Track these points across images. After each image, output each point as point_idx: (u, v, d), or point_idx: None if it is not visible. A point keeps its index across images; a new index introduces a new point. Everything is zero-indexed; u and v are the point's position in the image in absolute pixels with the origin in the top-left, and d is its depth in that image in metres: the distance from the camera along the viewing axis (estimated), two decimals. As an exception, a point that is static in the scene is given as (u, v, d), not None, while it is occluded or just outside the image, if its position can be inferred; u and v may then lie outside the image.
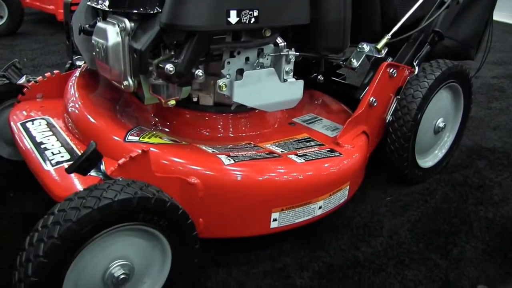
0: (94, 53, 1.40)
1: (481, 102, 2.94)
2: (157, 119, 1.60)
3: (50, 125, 1.55)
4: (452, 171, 2.02)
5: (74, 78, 1.69)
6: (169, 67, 1.21)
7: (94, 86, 1.67)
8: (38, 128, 1.52)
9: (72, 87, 1.63)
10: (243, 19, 1.22)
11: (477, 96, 3.04)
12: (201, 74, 1.28)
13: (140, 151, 1.15)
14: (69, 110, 1.54)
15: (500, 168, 2.08)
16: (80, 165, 1.05)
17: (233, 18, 1.20)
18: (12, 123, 1.58)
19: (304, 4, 1.37)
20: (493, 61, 3.96)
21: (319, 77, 1.93)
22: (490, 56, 4.00)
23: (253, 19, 1.24)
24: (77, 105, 1.53)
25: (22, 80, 1.70)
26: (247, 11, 1.22)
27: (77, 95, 1.57)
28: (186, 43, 1.23)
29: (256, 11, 1.24)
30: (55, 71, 1.78)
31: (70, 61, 1.78)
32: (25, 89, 1.70)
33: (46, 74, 1.76)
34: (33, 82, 1.72)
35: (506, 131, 2.51)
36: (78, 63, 1.72)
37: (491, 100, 3.00)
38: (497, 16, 6.17)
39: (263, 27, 1.32)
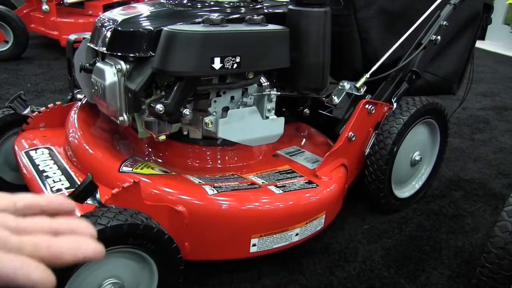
0: (93, 90, 1.54)
1: (465, 134, 3.07)
2: (150, 150, 1.73)
3: (52, 154, 1.68)
4: (429, 201, 2.15)
5: (75, 110, 1.83)
6: (159, 107, 1.34)
7: (93, 118, 1.81)
8: (41, 157, 1.65)
9: (73, 119, 1.77)
10: (226, 65, 1.36)
11: (461, 127, 3.18)
12: (188, 113, 1.42)
13: (132, 181, 1.28)
14: (70, 140, 1.67)
15: (475, 198, 2.21)
16: (78, 195, 1.18)
17: (217, 64, 1.34)
18: (17, 151, 1.71)
19: (284, 50, 1.51)
20: (482, 93, 4.09)
21: (305, 110, 2.06)
22: (479, 87, 4.18)
23: (235, 65, 1.38)
24: (76, 136, 1.66)
25: (27, 111, 1.84)
26: (230, 57, 1.36)
27: (77, 127, 1.71)
28: (175, 85, 1.37)
29: (239, 57, 1.38)
30: (58, 102, 1.92)
31: (71, 94, 1.92)
32: (29, 119, 1.84)
33: (49, 105, 1.89)
34: (36, 112, 1.86)
35: (485, 162, 2.63)
36: (78, 96, 1.86)
37: (475, 131, 3.12)
38: (490, 46, 6.38)
39: (245, 71, 1.46)
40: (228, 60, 1.36)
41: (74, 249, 0.46)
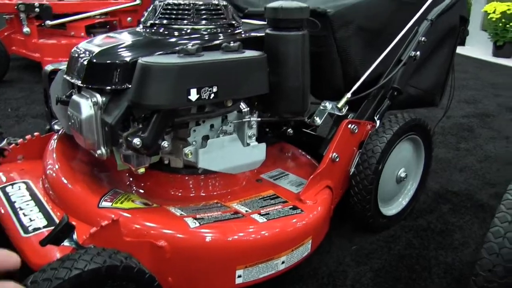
0: (69, 123, 1.51)
1: (450, 143, 3.07)
2: (131, 179, 1.70)
3: (29, 189, 1.64)
4: (417, 216, 2.13)
5: (53, 141, 1.79)
6: (136, 141, 1.31)
7: (72, 150, 1.77)
8: (18, 193, 1.61)
9: (51, 151, 1.73)
10: (203, 96, 1.33)
11: (446, 137, 3.17)
12: (167, 145, 1.39)
13: (112, 216, 1.25)
14: (47, 174, 1.64)
15: (463, 211, 2.19)
16: (54, 237, 1.14)
17: (193, 95, 1.31)
18: (-8, 186, 1.67)
19: (263, 76, 1.49)
20: (465, 99, 4.10)
21: (288, 130, 2.04)
22: (462, 94, 4.19)
23: (212, 95, 1.35)
24: (54, 169, 1.63)
25: (3, 143, 1.81)
26: (207, 88, 1.33)
27: (55, 159, 1.67)
28: (151, 118, 1.34)
29: (215, 87, 1.35)
30: (36, 133, 1.88)
31: (48, 126, 1.88)
32: (6, 151, 1.80)
33: (26, 137, 1.86)
34: (14, 144, 1.82)
35: (471, 172, 2.62)
36: (56, 127, 1.82)
37: (460, 140, 3.12)
38: (470, 52, 6.42)
39: (223, 100, 1.43)
40: (205, 90, 1.33)
41: None
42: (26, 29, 4.41)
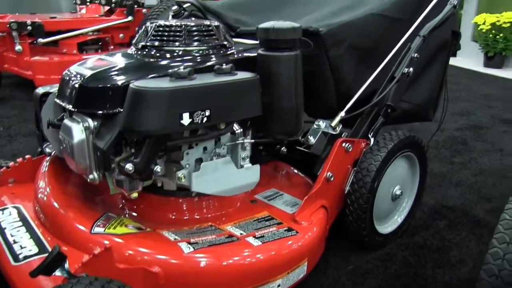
0: (61, 147, 1.49)
1: (444, 157, 3.06)
2: (124, 202, 1.68)
3: (20, 214, 1.62)
4: (413, 234, 2.11)
5: (44, 164, 1.77)
6: (128, 166, 1.30)
7: (64, 173, 1.75)
8: (8, 218, 1.59)
9: (42, 174, 1.71)
10: (196, 120, 1.32)
11: (440, 151, 3.17)
12: (159, 170, 1.38)
13: (106, 242, 1.23)
14: (39, 199, 1.62)
15: (459, 227, 2.18)
16: (45, 269, 1.12)
17: (185, 120, 1.30)
18: (-17, 212, 1.65)
19: (256, 98, 1.48)
20: (458, 112, 4.11)
21: (282, 148, 2.02)
22: (455, 106, 4.20)
23: (205, 119, 1.34)
24: (46, 194, 1.61)
25: (-6, 166, 1.79)
26: (199, 112, 1.32)
27: (46, 183, 1.65)
28: (144, 143, 1.32)
29: (208, 110, 1.34)
30: (27, 156, 1.86)
31: (40, 149, 1.86)
32: (-3, 175, 1.78)
33: (18, 160, 1.84)
34: (5, 168, 1.80)
35: (466, 187, 2.61)
36: (47, 150, 1.80)
37: (454, 154, 3.11)
38: (462, 63, 6.44)
39: (216, 124, 1.42)
40: (197, 114, 1.32)
41: None
42: (18, 47, 4.38)
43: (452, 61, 2.45)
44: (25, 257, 1.39)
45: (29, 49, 4.45)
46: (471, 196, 2.50)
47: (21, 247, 1.43)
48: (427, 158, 2.07)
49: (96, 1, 5.40)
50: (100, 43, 4.87)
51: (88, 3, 5.70)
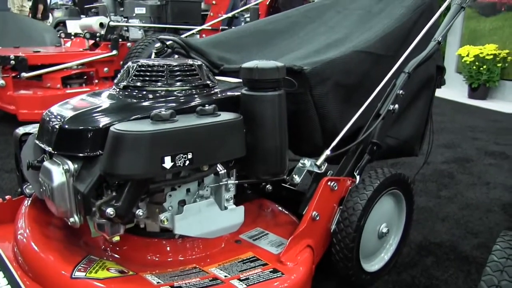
0: (41, 190, 1.46)
1: (431, 191, 3.05)
2: (106, 243, 1.65)
3: (-1, 258, 1.58)
4: (400, 271, 2.09)
5: (24, 206, 1.74)
6: (109, 211, 1.27)
7: (44, 214, 1.71)
8: (-14, 263, 1.55)
9: (22, 215, 1.68)
10: (178, 163, 1.30)
11: (427, 184, 3.16)
12: (141, 214, 1.35)
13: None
14: (18, 240, 1.58)
15: (447, 264, 2.16)
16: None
17: (167, 163, 1.28)
18: (-39, 256, 1.61)
19: (239, 139, 1.46)
20: (444, 144, 4.12)
21: (267, 186, 2.00)
22: (440, 138, 4.21)
23: (188, 162, 1.32)
24: (25, 235, 1.57)
25: (-26, 208, 1.75)
26: (181, 155, 1.30)
27: (26, 224, 1.62)
28: (125, 187, 1.30)
29: (191, 153, 1.32)
30: (7, 197, 1.83)
31: (20, 190, 1.83)
32: (-24, 217, 1.74)
33: (-3, 200, 1.80)
34: (-16, 209, 1.76)
35: (453, 221, 2.60)
36: (27, 191, 1.77)
37: (441, 188, 3.11)
38: (446, 94, 6.50)
39: (199, 166, 1.40)
40: (179, 157, 1.30)
41: None
42: (1, 82, 4.35)
43: (437, 93, 2.45)
44: (2, 305, 1.35)
45: (12, 83, 4.43)
46: (458, 231, 2.48)
47: (-2, 294, 1.40)
48: (414, 195, 2.06)
49: (81, 35, 5.41)
50: (85, 77, 4.86)
51: (72, 37, 5.71)
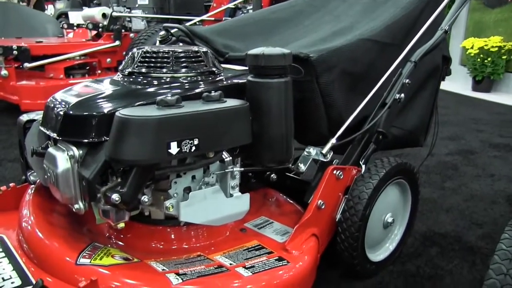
0: (45, 176, 1.45)
1: (435, 182, 3.04)
2: (111, 231, 1.64)
3: (3, 245, 1.57)
4: (405, 261, 2.08)
5: (29, 193, 1.73)
6: (115, 197, 1.26)
7: (49, 201, 1.70)
8: (-9, 249, 1.54)
9: (26, 203, 1.67)
10: (184, 149, 1.29)
11: (431, 176, 3.15)
12: (147, 200, 1.34)
13: (93, 277, 1.19)
14: (23, 228, 1.57)
15: (451, 254, 2.15)
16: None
17: (173, 149, 1.27)
18: (-34, 243, 1.60)
19: (245, 126, 1.45)
20: (448, 136, 4.11)
21: (272, 175, 1.99)
22: (444, 130, 4.20)
23: (194, 148, 1.31)
24: (29, 222, 1.56)
25: (-22, 196, 1.74)
26: (187, 141, 1.29)
27: (30, 212, 1.61)
28: (130, 173, 1.29)
29: (197, 139, 1.31)
30: (11, 184, 1.82)
31: (24, 177, 1.82)
32: (-19, 204, 1.73)
33: (1, 188, 1.79)
34: (-12, 196, 1.76)
35: (458, 212, 2.59)
36: (32, 178, 1.76)
37: (445, 179, 3.10)
38: (451, 87, 6.48)
39: (205, 152, 1.39)
40: (185, 143, 1.29)
41: None
42: (4, 72, 4.35)
43: (441, 85, 2.43)
44: (7, 291, 1.34)
45: (15, 73, 4.42)
46: (462, 222, 2.48)
47: (3, 279, 1.38)
48: (419, 185, 2.05)
49: (83, 26, 5.39)
50: (87, 68, 4.86)
51: (75, 28, 5.70)
